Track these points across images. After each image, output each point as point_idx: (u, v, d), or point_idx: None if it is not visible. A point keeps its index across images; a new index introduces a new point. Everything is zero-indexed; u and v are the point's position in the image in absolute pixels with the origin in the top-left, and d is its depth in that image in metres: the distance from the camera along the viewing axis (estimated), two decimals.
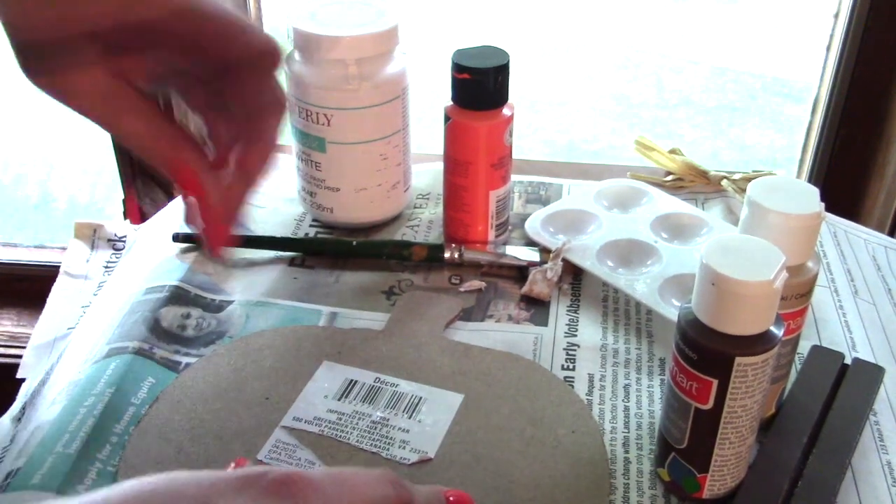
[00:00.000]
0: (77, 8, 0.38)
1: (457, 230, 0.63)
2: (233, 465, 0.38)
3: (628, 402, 0.51)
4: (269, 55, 0.44)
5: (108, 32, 0.39)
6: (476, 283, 0.60)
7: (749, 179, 0.68)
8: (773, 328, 0.40)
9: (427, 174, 0.71)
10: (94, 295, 0.66)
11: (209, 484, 0.31)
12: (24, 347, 0.63)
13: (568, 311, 0.58)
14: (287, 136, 0.64)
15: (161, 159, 0.43)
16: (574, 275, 0.61)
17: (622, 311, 0.58)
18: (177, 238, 0.63)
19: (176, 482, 0.31)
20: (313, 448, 0.46)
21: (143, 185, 1.03)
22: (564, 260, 0.60)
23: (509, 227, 0.65)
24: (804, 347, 0.53)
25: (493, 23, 2.13)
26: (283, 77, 0.45)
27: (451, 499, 0.37)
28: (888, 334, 0.57)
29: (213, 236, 0.45)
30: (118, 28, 0.39)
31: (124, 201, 1.04)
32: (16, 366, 0.62)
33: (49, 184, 1.70)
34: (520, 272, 0.61)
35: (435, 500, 0.37)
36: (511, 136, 0.60)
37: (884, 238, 0.69)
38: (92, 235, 0.71)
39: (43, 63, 0.40)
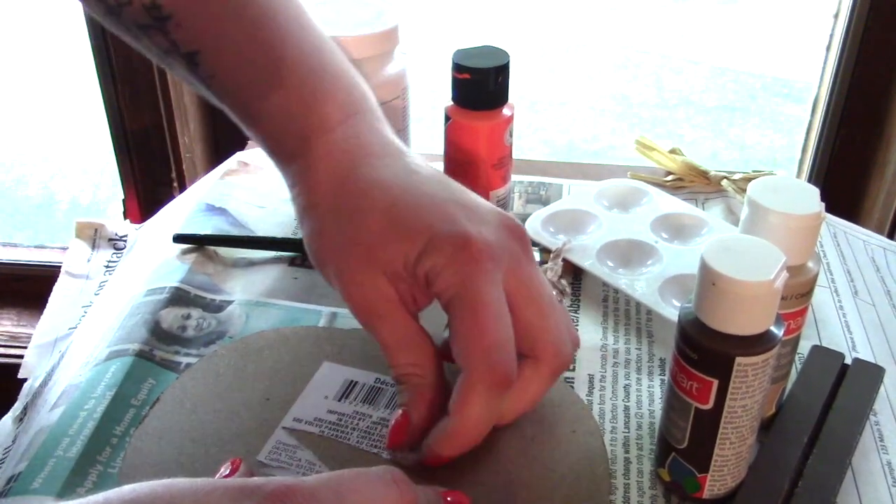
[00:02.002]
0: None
1: None
2: (228, 465, 0.38)
3: (628, 402, 0.51)
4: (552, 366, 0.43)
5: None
6: None
7: (749, 179, 0.68)
8: (773, 328, 0.40)
9: None
10: (96, 295, 0.66)
11: (206, 493, 0.31)
12: (24, 347, 0.63)
13: (568, 310, 0.58)
14: None
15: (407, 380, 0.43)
16: (574, 275, 0.61)
17: (622, 312, 0.58)
18: (177, 239, 0.63)
19: (173, 489, 0.31)
20: (314, 449, 0.46)
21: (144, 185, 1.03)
22: (564, 260, 0.60)
23: None
24: (804, 348, 0.53)
25: (493, 23, 2.13)
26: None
27: (450, 499, 0.37)
28: (888, 335, 0.57)
29: (397, 436, 0.44)
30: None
31: (124, 201, 1.05)
32: (16, 366, 0.62)
33: (50, 184, 1.70)
34: None
35: (434, 500, 0.37)
36: (511, 136, 0.60)
37: (883, 240, 0.69)
38: (93, 235, 0.71)
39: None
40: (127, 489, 0.31)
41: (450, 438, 0.41)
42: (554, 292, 0.45)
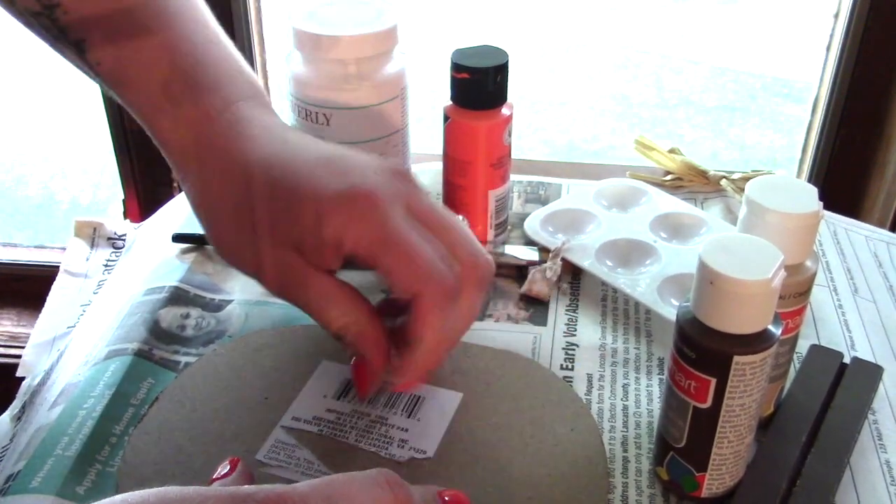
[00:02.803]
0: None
1: None
2: (227, 464, 0.38)
3: (627, 401, 0.51)
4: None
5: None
6: None
7: (748, 179, 0.68)
8: (771, 327, 0.40)
9: (426, 174, 0.71)
10: (94, 294, 0.66)
11: (197, 502, 0.31)
12: (23, 347, 0.63)
13: (567, 310, 0.58)
14: None
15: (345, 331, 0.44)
16: (573, 274, 0.61)
17: (621, 311, 0.58)
18: (176, 238, 0.63)
19: (164, 498, 0.31)
20: (312, 448, 0.46)
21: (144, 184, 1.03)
22: (563, 259, 0.60)
23: (508, 227, 0.65)
24: (803, 347, 0.53)
25: (493, 23, 2.13)
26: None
27: (447, 498, 0.37)
28: (888, 333, 0.57)
29: (363, 385, 0.48)
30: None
31: (124, 201, 1.05)
32: (16, 366, 0.62)
33: (50, 184, 1.70)
34: (519, 272, 0.61)
35: (431, 499, 0.36)
36: (510, 135, 0.60)
37: (885, 234, 0.68)
38: (92, 234, 0.71)
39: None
40: (118, 499, 0.31)
41: (418, 361, 0.44)
42: (459, 217, 0.47)
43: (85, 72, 0.49)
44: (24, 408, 0.55)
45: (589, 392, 0.52)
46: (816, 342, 0.55)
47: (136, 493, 0.31)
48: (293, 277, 0.44)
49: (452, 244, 0.44)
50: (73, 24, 0.46)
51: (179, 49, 0.48)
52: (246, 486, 0.32)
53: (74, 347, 0.57)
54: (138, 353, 0.53)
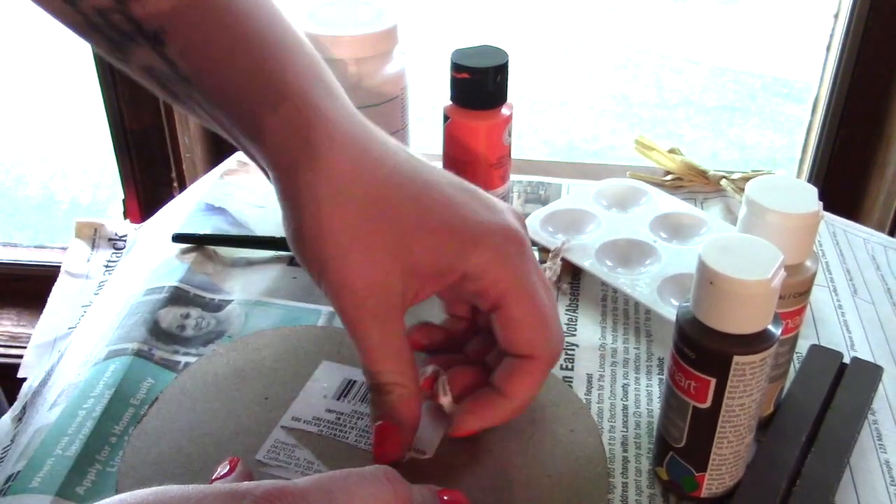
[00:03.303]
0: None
1: None
2: (226, 464, 0.38)
3: (627, 401, 0.51)
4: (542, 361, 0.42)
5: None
6: None
7: (748, 179, 0.68)
8: (771, 327, 0.40)
9: None
10: (95, 294, 0.66)
11: (197, 499, 0.31)
12: (24, 347, 0.63)
13: (567, 310, 0.58)
14: None
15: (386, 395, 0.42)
16: (573, 274, 0.61)
17: (621, 311, 0.58)
18: (176, 239, 0.63)
19: (164, 497, 0.31)
20: (312, 448, 0.46)
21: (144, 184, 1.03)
22: (563, 259, 0.60)
23: None
24: (803, 347, 0.53)
25: (493, 23, 2.13)
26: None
27: (446, 498, 0.37)
28: (887, 334, 0.57)
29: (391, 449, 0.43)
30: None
31: (124, 201, 1.05)
32: (16, 366, 0.63)
33: (50, 184, 1.70)
34: None
35: (430, 498, 0.36)
36: (510, 135, 0.60)
37: (883, 237, 0.69)
38: (93, 235, 0.71)
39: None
40: (117, 499, 0.31)
41: (501, 416, 0.43)
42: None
43: (159, 75, 0.42)
44: (24, 409, 0.55)
45: (589, 392, 0.52)
46: (816, 342, 0.55)
47: (136, 492, 0.31)
48: (377, 305, 0.40)
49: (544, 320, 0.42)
50: (149, 16, 0.40)
51: (267, 39, 0.42)
52: (245, 483, 0.32)
53: (74, 348, 0.57)
54: (138, 354, 0.53)
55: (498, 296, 0.41)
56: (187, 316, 0.57)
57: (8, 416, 0.55)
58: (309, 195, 0.40)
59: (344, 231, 0.40)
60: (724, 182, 0.70)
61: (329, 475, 0.33)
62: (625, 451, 0.48)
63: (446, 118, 0.59)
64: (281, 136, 0.40)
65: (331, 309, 0.58)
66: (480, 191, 0.43)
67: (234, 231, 0.65)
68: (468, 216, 0.41)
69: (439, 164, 0.62)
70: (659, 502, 0.45)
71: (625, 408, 0.51)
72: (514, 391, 0.42)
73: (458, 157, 0.60)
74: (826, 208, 0.45)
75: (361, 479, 0.33)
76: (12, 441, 0.52)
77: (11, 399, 0.57)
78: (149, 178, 1.02)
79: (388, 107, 0.61)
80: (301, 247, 0.41)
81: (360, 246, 0.40)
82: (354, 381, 0.51)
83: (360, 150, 0.41)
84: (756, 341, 0.40)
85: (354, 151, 0.40)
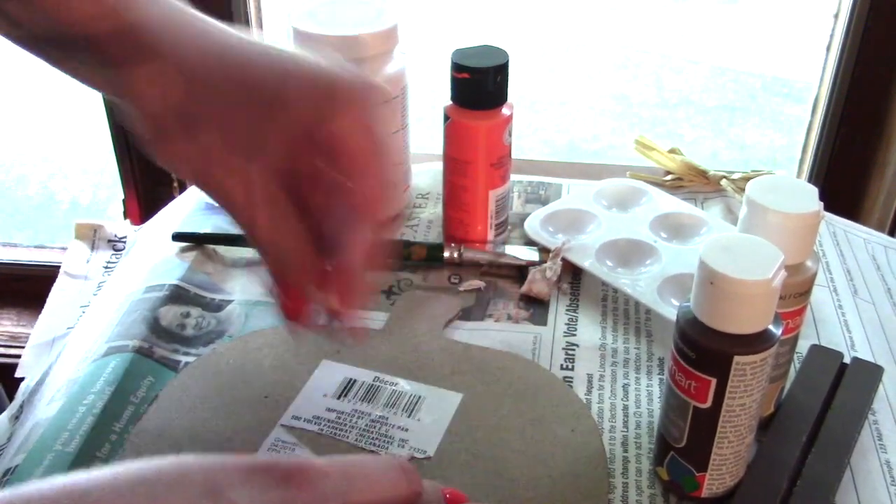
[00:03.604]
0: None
1: (456, 230, 0.63)
2: None
3: (627, 401, 0.51)
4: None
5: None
6: (475, 283, 0.60)
7: (748, 179, 0.68)
8: (771, 327, 0.40)
9: (427, 174, 0.71)
10: (94, 295, 0.66)
11: (217, 470, 0.31)
12: (24, 347, 0.63)
13: (567, 310, 0.58)
14: None
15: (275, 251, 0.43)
16: (573, 274, 0.61)
17: (621, 311, 0.58)
18: (177, 237, 0.63)
19: (183, 466, 0.31)
20: (312, 446, 0.46)
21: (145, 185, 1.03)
22: (564, 259, 0.60)
23: (508, 227, 0.65)
24: (803, 347, 0.53)
25: (493, 23, 2.13)
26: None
27: (448, 496, 0.38)
28: (887, 334, 0.57)
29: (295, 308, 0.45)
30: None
31: (124, 201, 1.05)
32: (16, 366, 0.62)
33: (50, 184, 1.70)
34: (519, 271, 0.61)
35: (434, 494, 0.37)
36: (510, 135, 0.60)
37: (883, 238, 0.69)
38: (92, 236, 0.71)
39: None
40: (135, 465, 0.31)
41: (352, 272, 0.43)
42: None
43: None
44: (21, 407, 0.55)
45: (589, 392, 0.52)
46: (816, 342, 0.55)
47: (153, 459, 0.31)
48: (249, 202, 0.41)
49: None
50: None
51: None
52: (265, 458, 0.32)
53: (73, 346, 0.57)
54: (138, 351, 0.53)
55: (351, 151, 0.42)
56: (187, 315, 0.57)
57: (5, 415, 0.55)
58: (152, 96, 0.41)
59: (202, 143, 0.41)
60: (724, 182, 0.70)
61: (347, 458, 0.34)
62: (625, 451, 0.48)
63: (446, 118, 0.59)
64: (113, 43, 0.41)
65: None
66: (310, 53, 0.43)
67: (234, 230, 0.65)
68: (329, 78, 0.41)
69: (439, 165, 0.62)
70: (659, 502, 0.45)
71: (625, 408, 0.51)
72: (348, 246, 0.42)
73: (458, 157, 0.60)
74: (826, 208, 0.45)
75: (378, 464, 0.34)
76: (9, 439, 0.52)
77: (12, 399, 0.57)
78: (149, 178, 1.02)
79: (388, 107, 0.61)
80: (155, 150, 0.42)
81: (218, 160, 0.41)
82: (354, 381, 0.51)
83: (195, 42, 0.41)
84: (757, 341, 0.40)
85: (191, 43, 0.41)
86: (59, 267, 0.69)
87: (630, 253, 0.61)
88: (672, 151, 0.72)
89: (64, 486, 0.29)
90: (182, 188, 1.00)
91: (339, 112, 0.42)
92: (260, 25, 0.97)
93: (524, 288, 0.59)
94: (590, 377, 0.53)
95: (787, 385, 0.50)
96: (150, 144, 0.42)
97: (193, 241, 0.63)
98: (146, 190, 1.03)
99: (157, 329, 0.55)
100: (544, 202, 0.69)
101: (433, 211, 0.68)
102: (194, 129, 0.41)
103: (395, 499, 0.34)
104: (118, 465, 0.31)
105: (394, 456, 0.35)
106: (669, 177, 0.72)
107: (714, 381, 0.41)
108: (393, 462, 0.34)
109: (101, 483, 0.29)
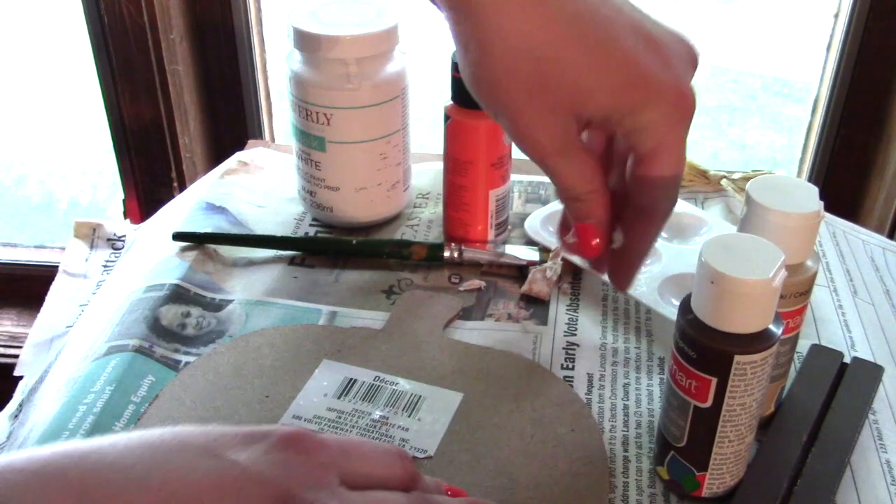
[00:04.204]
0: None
1: (456, 229, 0.63)
2: None
3: (628, 400, 0.51)
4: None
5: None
6: (476, 283, 0.60)
7: (748, 179, 0.68)
8: (772, 326, 0.40)
9: (427, 174, 0.71)
10: (93, 294, 0.66)
11: (217, 435, 0.32)
12: (23, 347, 0.63)
13: (567, 310, 0.58)
14: (288, 135, 0.64)
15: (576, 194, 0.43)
16: (574, 274, 0.61)
17: (622, 311, 0.58)
18: (177, 237, 0.63)
19: (184, 432, 0.32)
20: None
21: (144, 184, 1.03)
22: (564, 259, 0.60)
23: (509, 227, 0.65)
24: (803, 346, 0.53)
25: None
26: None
27: (449, 493, 0.38)
28: (887, 334, 0.57)
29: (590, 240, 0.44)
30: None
31: (124, 201, 1.05)
32: (15, 366, 0.62)
33: (50, 184, 1.70)
34: (519, 271, 0.61)
35: (435, 488, 0.37)
36: None
37: (882, 240, 0.69)
38: (91, 235, 0.71)
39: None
40: (136, 434, 0.31)
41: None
42: None
43: None
44: (20, 406, 0.55)
45: (589, 392, 0.52)
46: (817, 342, 0.55)
47: (154, 429, 0.32)
48: (557, 147, 0.41)
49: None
50: None
51: None
52: (264, 426, 0.34)
53: (73, 345, 0.57)
54: (139, 350, 0.53)
55: (650, 151, 0.41)
56: (188, 315, 0.57)
57: (5, 414, 0.55)
58: (483, 45, 0.40)
59: (519, 88, 0.40)
60: (724, 182, 0.70)
61: (344, 437, 0.36)
62: (626, 450, 0.48)
63: (447, 118, 0.59)
64: None
65: (331, 308, 0.57)
66: (655, 33, 0.42)
67: (234, 230, 0.65)
68: (643, 73, 0.40)
69: (439, 165, 0.62)
70: (660, 502, 0.45)
71: (625, 407, 0.51)
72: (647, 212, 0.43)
73: (458, 156, 0.60)
74: (826, 208, 0.45)
75: (375, 446, 0.36)
76: (8, 438, 0.52)
77: (10, 399, 0.57)
78: (149, 178, 1.02)
79: (388, 106, 0.61)
80: (477, 90, 0.42)
81: (536, 103, 0.40)
82: (355, 380, 0.51)
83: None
84: (757, 341, 0.40)
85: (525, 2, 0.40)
86: (58, 267, 0.69)
87: None
88: None
89: (65, 451, 0.30)
90: (182, 187, 1.00)
91: (652, 112, 0.41)
92: (260, 26, 0.97)
93: (524, 288, 0.59)
94: (590, 377, 0.53)
95: (788, 385, 0.50)
96: (477, 66, 0.40)
97: (193, 240, 0.63)
98: (146, 190, 1.03)
99: (157, 328, 0.55)
100: (544, 202, 0.69)
101: (433, 211, 0.68)
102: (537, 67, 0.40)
103: (390, 476, 0.35)
104: (116, 434, 0.31)
105: (391, 445, 0.36)
106: None
107: (715, 381, 0.41)
108: (390, 448, 0.36)
109: (101, 447, 0.30)
